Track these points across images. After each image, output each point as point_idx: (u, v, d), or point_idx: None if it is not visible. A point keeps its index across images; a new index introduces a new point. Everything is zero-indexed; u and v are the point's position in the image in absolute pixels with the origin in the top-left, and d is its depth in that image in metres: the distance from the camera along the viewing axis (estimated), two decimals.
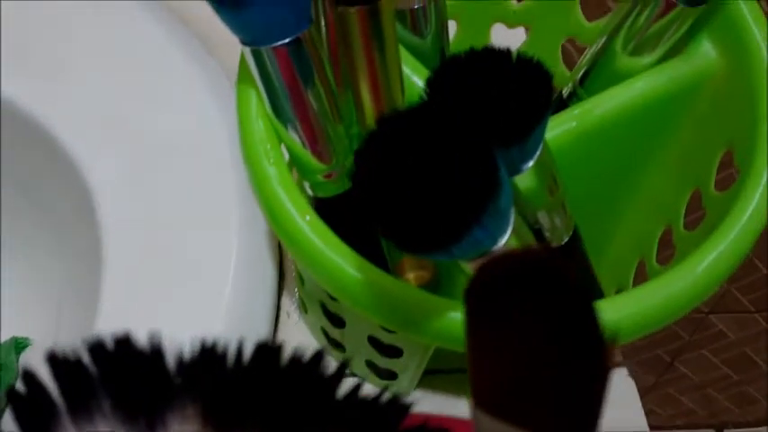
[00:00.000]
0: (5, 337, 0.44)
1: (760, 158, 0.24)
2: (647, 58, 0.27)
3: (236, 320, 0.34)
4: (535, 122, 0.19)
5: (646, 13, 0.25)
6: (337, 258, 0.23)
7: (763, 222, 0.23)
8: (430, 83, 0.19)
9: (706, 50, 0.26)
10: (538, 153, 0.21)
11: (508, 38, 0.31)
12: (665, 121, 0.27)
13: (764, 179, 0.23)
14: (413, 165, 0.17)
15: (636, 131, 0.27)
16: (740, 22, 0.25)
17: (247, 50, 0.22)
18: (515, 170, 0.21)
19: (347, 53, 0.23)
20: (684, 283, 0.23)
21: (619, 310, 0.22)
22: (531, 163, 0.21)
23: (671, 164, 0.28)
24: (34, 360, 0.45)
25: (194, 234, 0.35)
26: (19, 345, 0.44)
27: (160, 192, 0.36)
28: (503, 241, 0.19)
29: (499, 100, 0.18)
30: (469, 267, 0.20)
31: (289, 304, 0.35)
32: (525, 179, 0.22)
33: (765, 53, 0.24)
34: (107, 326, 0.34)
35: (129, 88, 0.40)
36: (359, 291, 0.23)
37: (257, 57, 0.22)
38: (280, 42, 0.22)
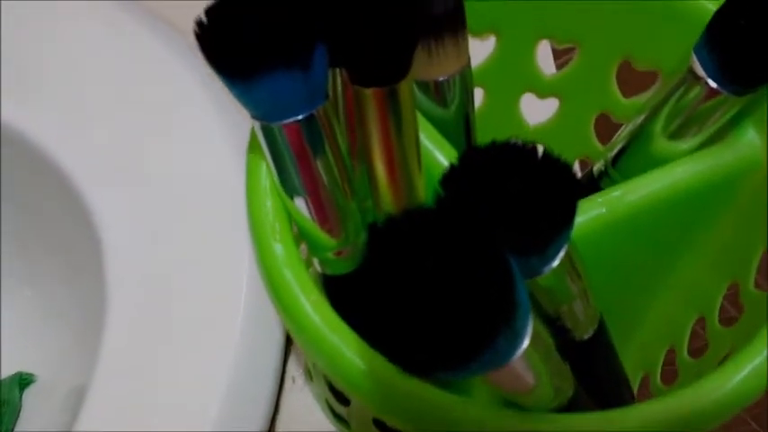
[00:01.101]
0: (9, 368, 0.43)
1: None
2: (688, 143, 0.25)
3: (239, 380, 0.33)
4: (557, 233, 0.17)
5: (690, 95, 0.24)
6: (339, 343, 0.21)
7: None
8: (445, 179, 0.18)
9: (751, 139, 0.24)
10: (561, 255, 0.19)
11: (539, 108, 0.30)
12: (703, 211, 0.25)
13: None
14: (418, 279, 0.15)
15: (671, 221, 0.25)
16: None
17: (257, 125, 0.21)
18: (535, 273, 0.19)
19: (362, 130, 0.21)
20: (716, 395, 0.21)
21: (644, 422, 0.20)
22: (553, 265, 0.19)
23: (708, 255, 0.27)
24: (39, 394, 0.44)
25: (201, 287, 0.34)
26: (23, 380, 0.43)
27: (169, 240, 0.35)
28: (517, 356, 0.17)
29: (519, 207, 0.17)
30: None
31: (295, 369, 0.34)
32: (545, 277, 0.20)
33: None
34: (108, 367, 0.33)
35: (145, 124, 0.40)
36: (359, 379, 0.21)
37: (267, 132, 0.21)
38: (292, 119, 0.21)
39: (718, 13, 0.22)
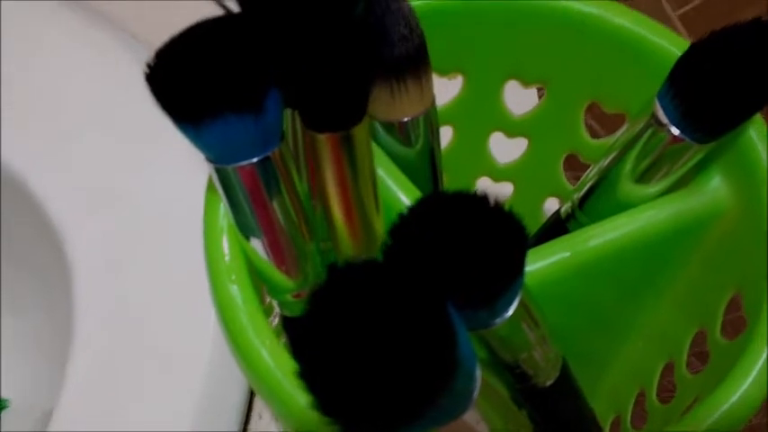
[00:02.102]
0: None
1: None
2: (654, 187, 0.24)
3: (205, 413, 0.32)
4: (504, 288, 0.17)
5: (655, 140, 0.23)
6: (292, 390, 0.21)
7: (763, 392, 0.21)
8: (394, 229, 0.17)
9: (716, 185, 0.24)
10: (515, 305, 0.19)
11: (508, 147, 0.29)
12: (668, 257, 0.25)
13: None
14: (356, 337, 0.15)
15: (636, 266, 0.25)
16: (754, 160, 0.23)
17: (211, 167, 0.21)
18: (488, 324, 0.19)
19: (318, 174, 0.21)
20: None
21: None
22: (506, 316, 0.19)
23: (675, 301, 0.26)
24: (13, 419, 0.43)
25: (169, 318, 0.34)
26: None
27: (139, 270, 0.35)
28: (466, 411, 0.17)
29: (465, 261, 0.16)
30: None
31: (262, 405, 0.33)
32: (499, 327, 0.20)
33: None
34: (72, 394, 0.33)
35: (123, 151, 0.39)
36: (310, 427, 0.21)
37: (222, 174, 0.21)
38: (246, 162, 0.20)
39: (681, 60, 0.22)
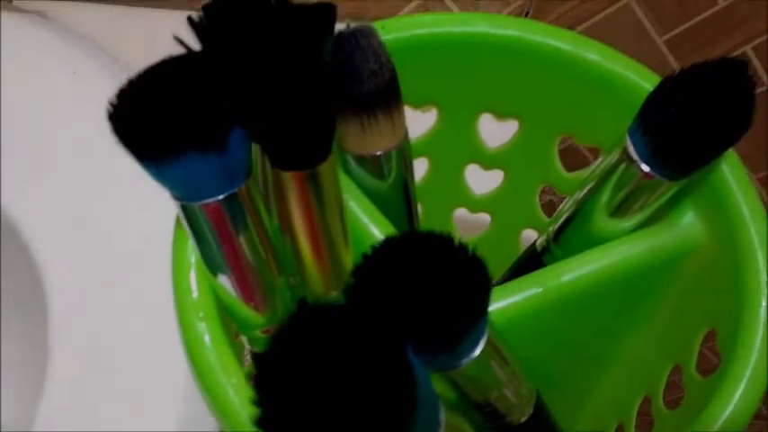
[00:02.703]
0: None
1: (743, 350, 0.22)
2: (629, 221, 0.24)
3: None
4: (465, 332, 0.17)
5: (627, 175, 0.23)
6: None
7: (740, 429, 0.21)
8: (357, 270, 0.17)
9: (689, 221, 0.24)
10: (482, 344, 0.19)
11: (484, 179, 0.29)
12: (642, 291, 0.24)
13: (745, 379, 0.21)
14: (316, 378, 0.15)
15: (610, 301, 0.24)
16: (726, 196, 0.23)
17: (177, 204, 0.20)
18: (454, 365, 0.19)
19: (285, 210, 0.21)
20: None
21: None
22: (473, 356, 0.19)
23: (650, 336, 0.26)
24: None
25: (144, 350, 0.33)
26: None
27: (115, 300, 0.35)
28: None
29: (426, 305, 0.16)
30: None
31: None
32: (467, 367, 0.20)
33: (754, 234, 0.22)
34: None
35: (104, 182, 0.39)
36: None
37: (187, 212, 0.20)
38: (212, 199, 0.20)
39: (650, 97, 0.22)
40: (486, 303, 0.17)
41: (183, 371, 0.32)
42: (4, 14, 0.45)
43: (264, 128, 0.19)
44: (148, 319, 0.33)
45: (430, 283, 0.16)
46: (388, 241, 0.18)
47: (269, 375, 0.16)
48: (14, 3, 0.51)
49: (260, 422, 0.15)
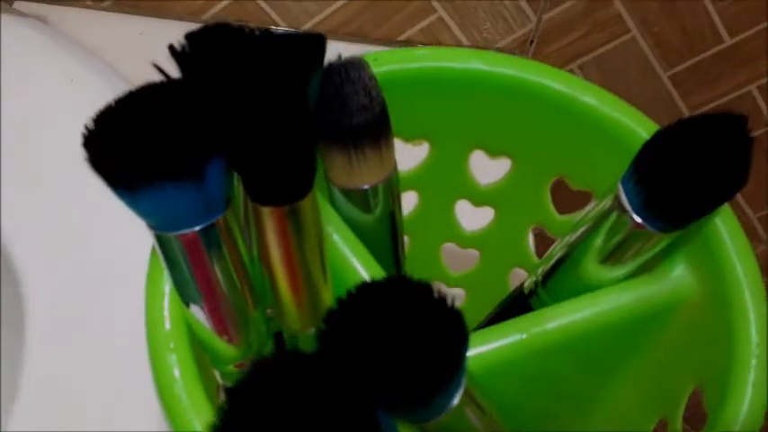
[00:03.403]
0: None
1: (730, 411, 0.21)
2: (618, 270, 0.24)
3: None
4: (438, 389, 0.16)
5: (619, 223, 0.23)
6: None
7: None
8: (329, 317, 0.17)
9: (681, 273, 0.23)
10: (454, 401, 0.18)
11: (475, 215, 0.29)
12: (629, 342, 0.24)
13: None
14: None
15: (596, 349, 0.24)
16: (719, 251, 0.22)
17: (152, 233, 0.20)
18: (429, 417, 0.18)
19: (263, 244, 0.20)
20: None
21: None
22: (445, 411, 0.18)
23: (635, 387, 0.25)
24: None
25: (116, 373, 0.33)
26: None
27: (94, 319, 0.34)
28: None
29: (398, 360, 0.15)
30: None
31: None
32: (440, 420, 0.19)
33: (746, 292, 0.21)
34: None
35: (92, 193, 0.38)
36: None
37: (162, 241, 0.20)
38: (188, 230, 0.19)
39: (645, 147, 0.21)
40: (462, 361, 0.16)
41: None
42: (4, 17, 0.44)
43: (243, 162, 0.18)
44: (125, 340, 0.33)
45: (404, 338, 0.16)
46: (365, 286, 0.17)
47: (236, 419, 0.15)
48: (15, 5, 0.50)
49: None
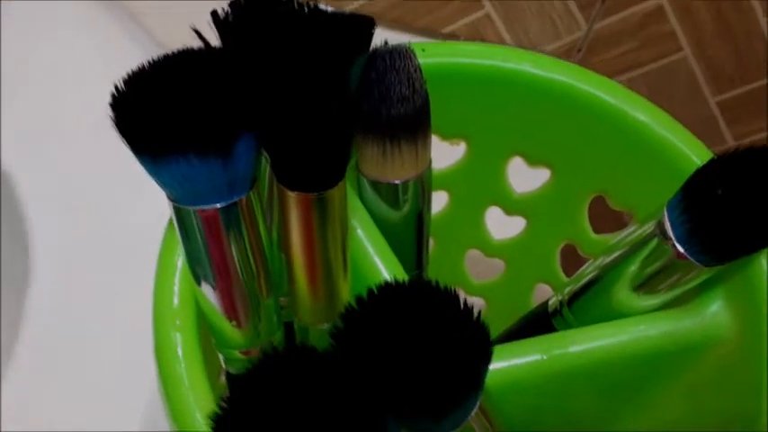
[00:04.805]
0: None
1: None
2: (651, 300, 0.22)
3: None
4: (452, 408, 0.15)
5: (659, 251, 0.21)
6: None
7: None
8: (346, 315, 0.16)
9: (716, 310, 0.22)
10: (466, 421, 0.17)
11: (505, 224, 0.28)
12: (653, 376, 0.23)
13: None
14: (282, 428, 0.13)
15: (617, 380, 0.23)
16: (761, 293, 0.21)
17: (171, 205, 0.19)
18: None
19: (285, 230, 0.19)
20: None
21: None
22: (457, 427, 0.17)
23: (654, 421, 0.24)
24: None
25: (118, 339, 0.32)
26: None
27: (98, 283, 0.33)
28: None
29: (414, 371, 0.14)
30: None
31: None
32: None
33: None
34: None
35: (114, 158, 0.38)
36: None
37: (181, 215, 0.19)
38: (209, 206, 0.18)
39: (696, 174, 0.20)
40: (482, 379, 0.15)
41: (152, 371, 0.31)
42: None
43: (275, 142, 0.17)
44: (130, 310, 0.32)
45: (424, 347, 0.15)
46: (389, 286, 0.16)
47: (238, 411, 0.14)
48: None
49: None
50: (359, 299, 0.16)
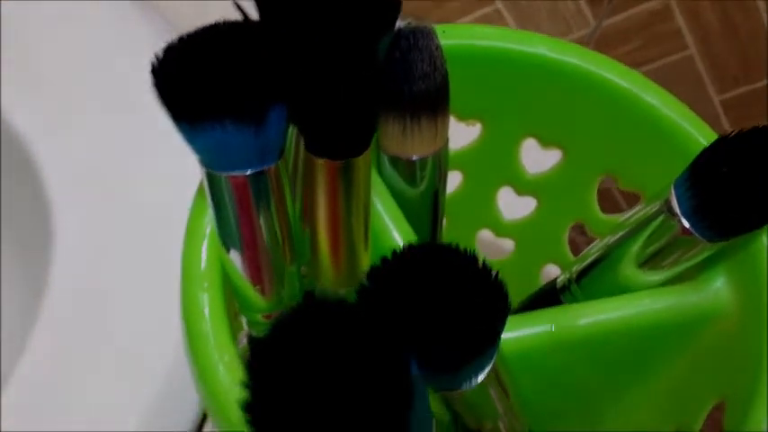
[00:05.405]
0: None
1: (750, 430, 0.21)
2: (657, 275, 0.23)
3: (160, 411, 0.31)
4: (472, 357, 0.16)
5: (665, 227, 0.22)
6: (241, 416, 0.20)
7: None
8: (372, 273, 0.17)
9: (720, 286, 0.23)
10: (486, 372, 0.18)
11: (515, 204, 0.29)
12: (657, 349, 0.24)
13: None
14: (310, 377, 0.14)
15: (622, 352, 0.24)
16: (762, 268, 0.22)
17: (203, 170, 0.20)
18: (455, 386, 0.18)
19: (310, 197, 0.20)
20: None
21: None
22: (474, 383, 0.18)
23: (656, 395, 0.25)
24: None
25: (139, 310, 0.33)
26: None
27: (120, 256, 0.34)
28: None
29: (437, 321, 0.15)
30: None
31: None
32: (465, 393, 0.19)
33: None
34: (27, 374, 0.32)
35: (133, 136, 0.39)
36: None
37: (212, 180, 0.20)
38: (239, 173, 0.19)
39: (704, 153, 0.21)
40: (499, 332, 0.16)
41: (171, 343, 0.32)
42: None
43: (306, 110, 0.18)
44: (150, 275, 0.33)
45: (446, 301, 0.16)
46: (411, 248, 0.17)
47: (263, 361, 0.15)
48: None
49: (247, 407, 0.15)
50: (383, 259, 0.17)
